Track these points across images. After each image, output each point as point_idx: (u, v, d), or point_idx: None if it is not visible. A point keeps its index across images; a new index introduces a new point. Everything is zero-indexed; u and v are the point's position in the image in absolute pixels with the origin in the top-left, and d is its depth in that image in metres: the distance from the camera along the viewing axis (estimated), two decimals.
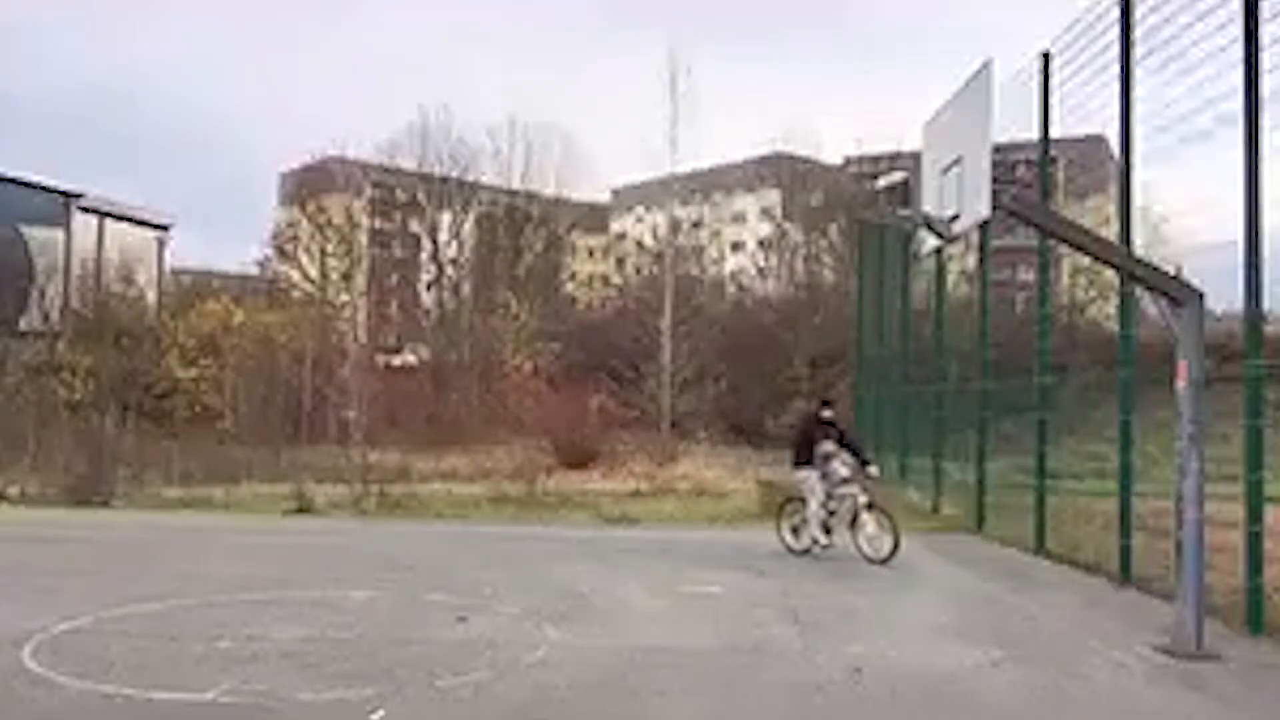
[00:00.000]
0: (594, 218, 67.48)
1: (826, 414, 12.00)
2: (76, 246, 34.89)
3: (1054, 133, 12.07)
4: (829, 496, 11.62)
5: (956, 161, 7.61)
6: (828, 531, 11.69)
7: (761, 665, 6.77)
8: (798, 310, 38.65)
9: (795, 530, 12.00)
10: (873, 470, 11.88)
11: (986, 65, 7.40)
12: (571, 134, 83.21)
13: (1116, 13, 10.18)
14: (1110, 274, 13.57)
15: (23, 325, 32.10)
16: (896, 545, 10.98)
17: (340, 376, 29.73)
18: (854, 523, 11.49)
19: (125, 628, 7.60)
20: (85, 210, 35.71)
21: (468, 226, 47.48)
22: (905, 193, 17.77)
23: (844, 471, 11.60)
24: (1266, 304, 8.01)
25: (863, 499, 11.36)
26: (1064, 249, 12.89)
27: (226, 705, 5.69)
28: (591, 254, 68.77)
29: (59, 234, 34.44)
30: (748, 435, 31.51)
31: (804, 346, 36.02)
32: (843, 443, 11.86)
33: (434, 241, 47.31)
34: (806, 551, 11.70)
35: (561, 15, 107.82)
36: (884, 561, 10.94)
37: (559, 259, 52.94)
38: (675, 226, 45.50)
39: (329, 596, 9.01)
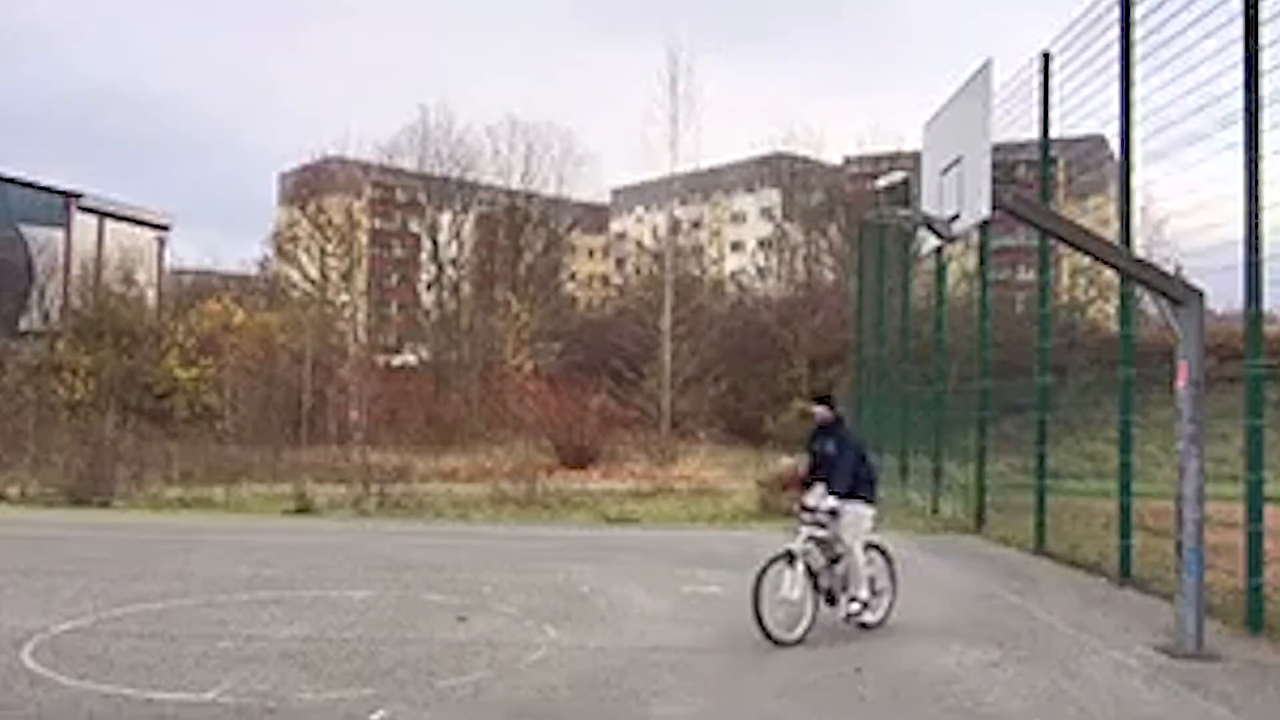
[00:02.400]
0: (594, 218, 67.55)
1: (817, 411, 8.22)
2: (76, 246, 34.90)
3: (1054, 133, 12.09)
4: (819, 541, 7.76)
5: (956, 161, 7.61)
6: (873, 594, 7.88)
7: (761, 665, 6.77)
8: (798, 310, 38.69)
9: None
10: (825, 503, 7.63)
11: (986, 65, 7.40)
12: (571, 134, 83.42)
13: (1116, 13, 10.19)
14: (1110, 274, 13.57)
15: (23, 325, 32.12)
16: (801, 625, 7.33)
17: (340, 376, 29.75)
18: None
19: (125, 628, 7.60)
20: (85, 210, 35.72)
21: (468, 226, 47.54)
22: (905, 193, 17.73)
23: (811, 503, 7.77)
24: (1266, 304, 8.01)
25: (796, 543, 7.50)
26: (1064, 249, 12.89)
27: (226, 705, 5.68)
28: (591, 254, 68.85)
29: (59, 234, 34.45)
30: (748, 435, 31.55)
31: (804, 346, 36.07)
32: (839, 454, 7.89)
33: (434, 241, 47.36)
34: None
35: (562, 15, 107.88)
36: (778, 642, 7.20)
37: (559, 259, 53.01)
38: (675, 226, 45.56)
39: (329, 596, 9.01)
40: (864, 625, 7.76)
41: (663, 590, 9.52)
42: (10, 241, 33.06)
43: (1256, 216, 7.86)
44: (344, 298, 41.92)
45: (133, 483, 18.13)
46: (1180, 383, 7.41)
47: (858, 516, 7.81)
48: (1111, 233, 10.60)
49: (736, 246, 61.58)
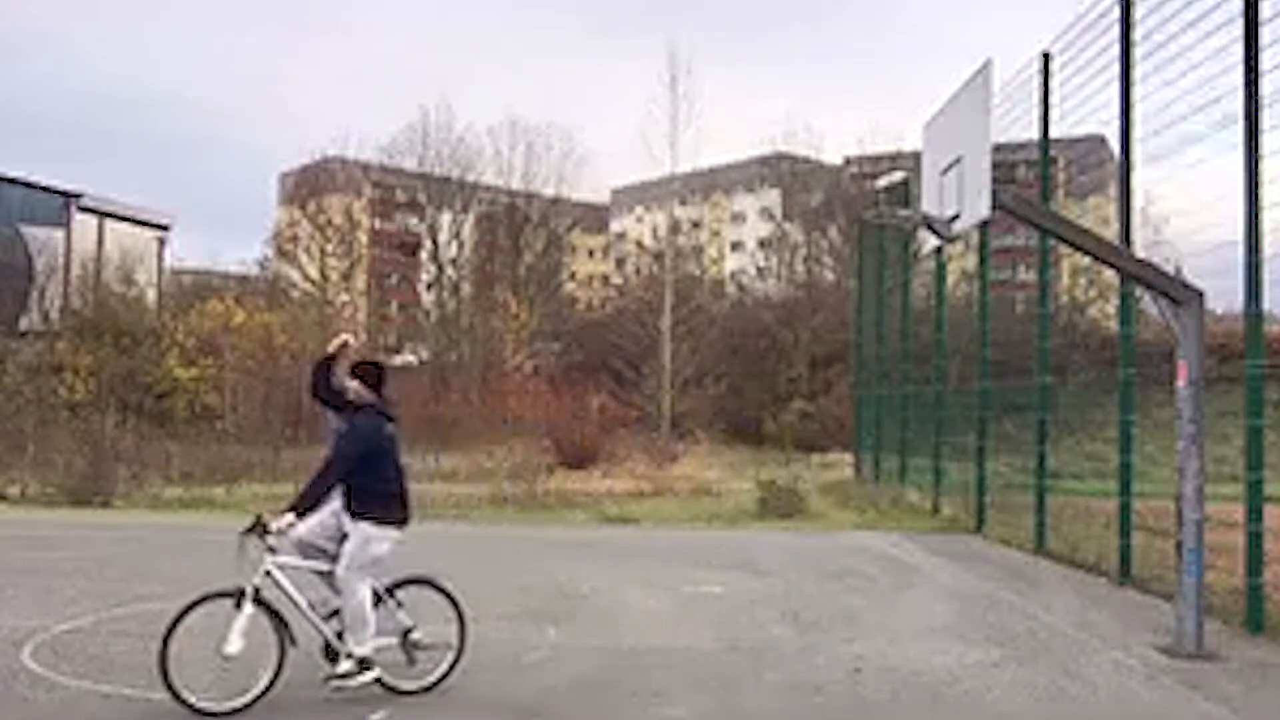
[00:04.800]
0: (594, 218, 67.51)
1: (349, 386, 6.43)
2: (76, 246, 34.90)
3: (1054, 133, 12.09)
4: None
5: (956, 161, 7.61)
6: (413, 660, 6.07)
7: (761, 665, 6.77)
8: (798, 310, 38.71)
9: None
10: (282, 523, 5.79)
11: (986, 65, 7.41)
12: (571, 134, 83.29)
13: (1116, 13, 10.19)
14: (1110, 274, 13.58)
15: (23, 325, 32.12)
16: (251, 690, 5.56)
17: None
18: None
19: (125, 628, 7.59)
20: (85, 210, 35.73)
21: (468, 226, 47.54)
22: (905, 193, 17.76)
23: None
24: (1266, 304, 8.02)
25: (254, 578, 5.80)
26: (1064, 249, 12.89)
27: None
28: (591, 254, 68.80)
29: (59, 234, 34.45)
30: (748, 435, 31.57)
31: (804, 346, 36.09)
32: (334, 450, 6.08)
33: (434, 241, 47.37)
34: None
35: (562, 15, 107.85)
36: (202, 713, 5.50)
37: (559, 259, 52.99)
38: (675, 226, 45.58)
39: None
40: (390, 689, 5.74)
41: (663, 590, 9.51)
42: (10, 241, 33.07)
43: (1256, 216, 7.85)
44: (344, 298, 41.99)
45: (133, 483, 18.12)
46: (1180, 383, 7.42)
47: (363, 541, 5.82)
48: (1111, 233, 10.60)
49: (736, 246, 61.58)
